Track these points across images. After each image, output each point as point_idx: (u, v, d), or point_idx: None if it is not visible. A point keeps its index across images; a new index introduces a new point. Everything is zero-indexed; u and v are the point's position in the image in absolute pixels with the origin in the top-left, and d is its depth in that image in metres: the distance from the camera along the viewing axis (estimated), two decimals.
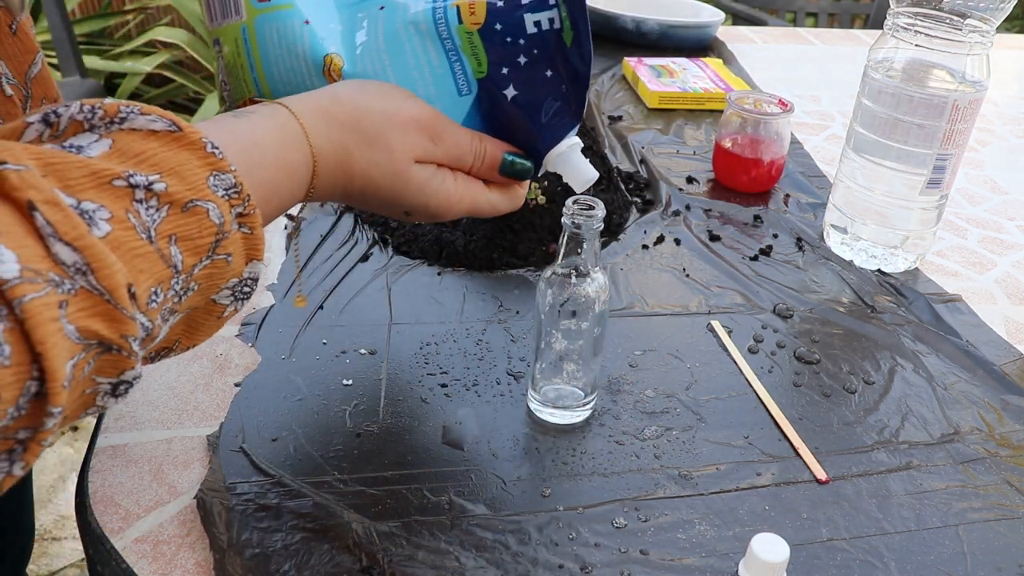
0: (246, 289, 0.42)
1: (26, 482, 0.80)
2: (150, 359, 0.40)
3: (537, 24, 0.47)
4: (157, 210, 0.35)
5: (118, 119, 0.36)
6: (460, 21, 0.47)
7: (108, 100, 0.36)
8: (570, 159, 0.53)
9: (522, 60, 0.48)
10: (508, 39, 0.47)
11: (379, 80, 0.50)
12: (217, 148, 0.38)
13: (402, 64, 0.49)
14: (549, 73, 0.48)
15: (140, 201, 0.34)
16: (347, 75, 0.50)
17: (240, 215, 0.39)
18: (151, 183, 0.34)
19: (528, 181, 0.54)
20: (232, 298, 0.41)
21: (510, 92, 0.49)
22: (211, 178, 0.37)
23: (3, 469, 0.31)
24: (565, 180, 0.54)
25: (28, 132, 0.35)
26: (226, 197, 0.38)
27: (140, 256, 0.34)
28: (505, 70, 0.48)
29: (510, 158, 0.51)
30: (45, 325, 0.29)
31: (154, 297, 0.34)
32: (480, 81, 0.49)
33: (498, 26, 0.47)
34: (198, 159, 0.37)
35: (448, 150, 0.49)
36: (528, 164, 0.52)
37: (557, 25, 0.47)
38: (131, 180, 0.34)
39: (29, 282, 0.29)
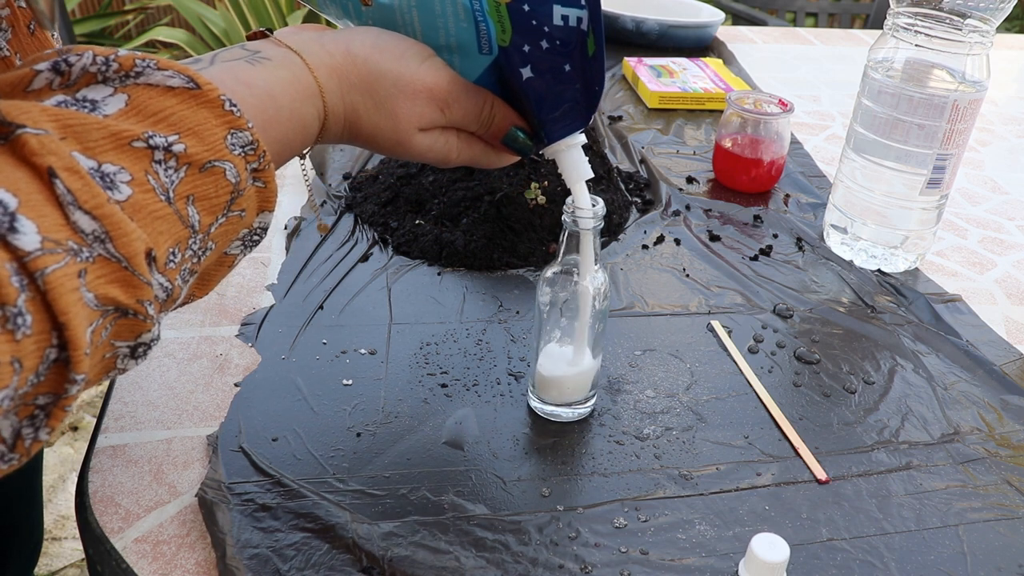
0: (255, 238, 0.42)
1: (36, 483, 0.80)
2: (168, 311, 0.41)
3: (564, 18, 0.47)
4: (176, 171, 0.35)
5: (133, 73, 0.35)
6: None
7: (122, 51, 0.35)
8: (570, 155, 0.53)
9: (544, 45, 0.48)
10: (534, 22, 0.47)
11: (404, 16, 0.50)
12: (235, 106, 0.37)
13: (428, 9, 0.49)
14: (567, 68, 0.48)
15: (159, 162, 0.34)
16: (377, 1, 0.50)
17: (255, 171, 0.39)
18: (170, 144, 0.35)
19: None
20: (242, 246, 0.42)
21: (527, 72, 0.48)
22: (229, 137, 0.37)
23: (29, 435, 0.31)
24: (560, 171, 0.54)
25: (37, 80, 0.34)
26: (242, 154, 0.38)
27: (159, 218, 0.34)
28: (527, 48, 0.48)
29: (514, 132, 0.51)
30: (67, 295, 0.29)
31: (172, 258, 0.35)
32: (502, 48, 0.48)
33: (526, 7, 0.47)
34: (216, 118, 0.37)
35: (455, 118, 0.49)
36: (530, 143, 0.52)
37: (584, 27, 0.47)
38: (150, 141, 0.34)
39: (50, 253, 0.29)
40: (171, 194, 0.34)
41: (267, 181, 0.40)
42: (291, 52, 0.44)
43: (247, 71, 0.42)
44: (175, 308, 0.39)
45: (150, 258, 0.33)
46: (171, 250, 0.35)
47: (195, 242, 0.36)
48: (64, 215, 0.30)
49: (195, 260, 0.37)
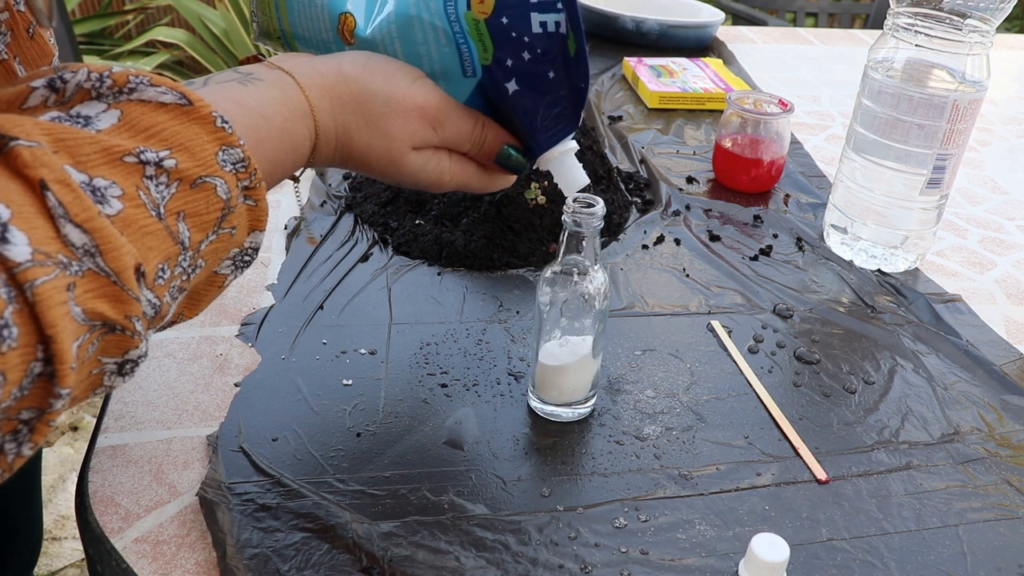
0: (246, 258, 0.42)
1: (35, 483, 0.80)
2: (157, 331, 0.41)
3: (543, 25, 0.47)
4: (167, 186, 0.35)
5: (127, 89, 0.35)
6: (469, 8, 0.47)
7: (116, 68, 0.36)
8: (563, 162, 0.53)
9: (526, 56, 0.48)
10: (513, 34, 0.47)
11: (387, 48, 0.50)
12: (227, 123, 0.37)
13: (410, 39, 0.49)
14: (551, 75, 0.49)
15: (150, 178, 0.34)
16: (358, 36, 0.51)
17: (246, 188, 0.39)
18: (161, 160, 0.35)
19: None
20: (232, 267, 0.42)
21: (512, 86, 0.49)
22: (220, 153, 0.37)
23: (12, 450, 0.31)
24: (555, 181, 0.54)
25: (32, 97, 0.34)
26: (233, 172, 0.38)
27: (150, 234, 0.34)
28: (509, 62, 0.48)
29: (507, 151, 0.51)
30: (55, 308, 0.29)
31: (161, 274, 0.35)
32: (485, 68, 0.49)
33: (504, 20, 0.47)
34: (208, 134, 0.37)
35: (447, 136, 0.49)
36: (523, 160, 0.52)
37: (563, 31, 0.47)
38: (142, 156, 0.34)
39: (40, 265, 0.29)
40: (162, 210, 0.34)
41: (258, 200, 0.40)
42: (283, 73, 0.45)
43: (239, 91, 0.42)
44: (163, 327, 0.39)
45: (139, 273, 0.33)
46: (160, 266, 0.35)
47: (185, 259, 0.36)
48: (55, 228, 0.30)
49: (184, 277, 0.37)
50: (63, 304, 0.30)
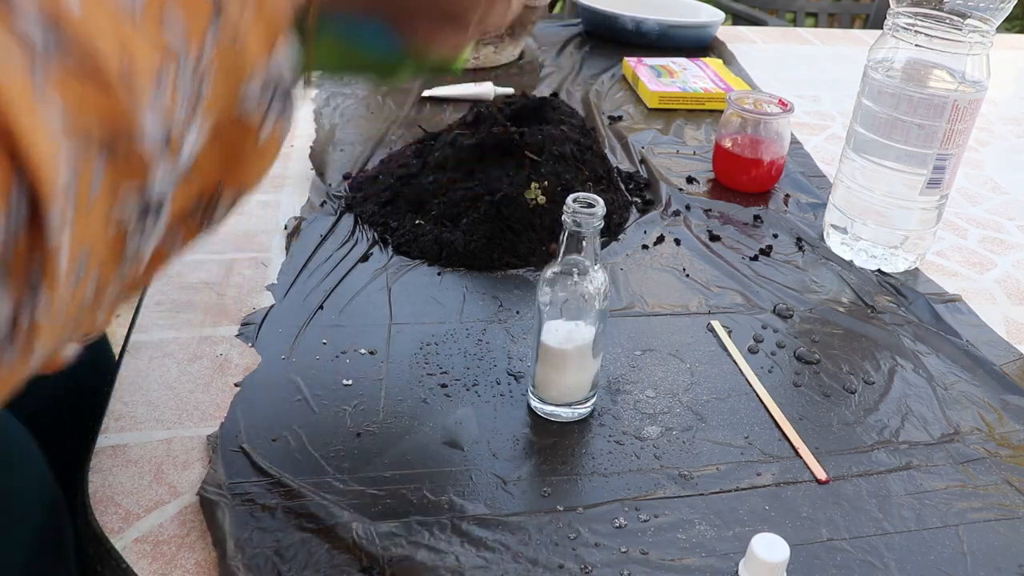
0: (275, 94, 0.33)
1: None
2: (203, 217, 0.32)
3: None
4: None
5: None
6: None
7: None
8: None
9: None
10: None
11: None
12: None
13: None
14: None
15: None
16: None
17: None
18: None
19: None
20: (261, 109, 0.33)
21: None
22: None
23: (28, 306, 0.25)
24: None
25: None
26: None
27: (134, 30, 0.26)
28: None
29: None
30: (17, 99, 0.23)
31: (158, 84, 0.27)
32: None
33: None
34: None
35: None
36: None
37: None
38: None
39: None
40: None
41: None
42: None
43: None
44: (207, 200, 0.32)
45: (125, 71, 0.26)
46: (153, 71, 0.27)
47: (183, 67, 0.28)
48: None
49: (194, 89, 0.29)
50: (27, 91, 0.23)
